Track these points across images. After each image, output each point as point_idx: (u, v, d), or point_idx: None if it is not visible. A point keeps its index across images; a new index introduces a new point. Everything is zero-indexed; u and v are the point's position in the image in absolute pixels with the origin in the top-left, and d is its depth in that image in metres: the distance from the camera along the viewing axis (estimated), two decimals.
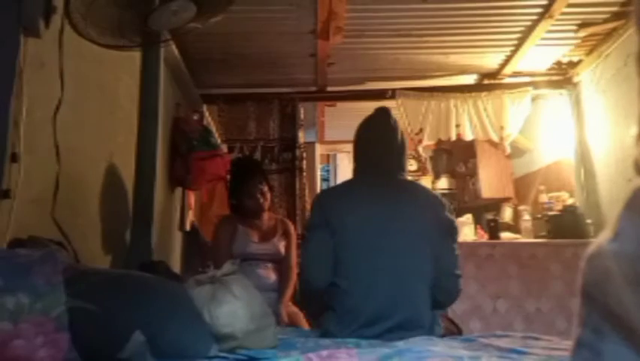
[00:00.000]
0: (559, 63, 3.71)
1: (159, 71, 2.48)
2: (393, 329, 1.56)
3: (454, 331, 1.79)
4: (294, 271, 2.57)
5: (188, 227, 3.46)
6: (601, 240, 0.45)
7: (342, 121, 4.96)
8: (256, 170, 2.67)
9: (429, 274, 1.65)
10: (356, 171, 1.85)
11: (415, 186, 1.86)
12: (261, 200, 2.54)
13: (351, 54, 3.50)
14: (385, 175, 1.76)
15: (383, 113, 1.84)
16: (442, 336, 1.59)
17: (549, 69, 3.80)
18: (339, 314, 1.62)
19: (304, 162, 4.04)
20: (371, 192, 1.73)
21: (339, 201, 1.74)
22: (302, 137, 4.14)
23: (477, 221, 4.95)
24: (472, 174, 5.34)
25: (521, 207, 4.18)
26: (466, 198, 5.62)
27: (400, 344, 1.31)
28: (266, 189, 2.59)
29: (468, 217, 4.86)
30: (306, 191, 3.94)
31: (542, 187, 4.10)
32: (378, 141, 1.79)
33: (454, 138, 3.95)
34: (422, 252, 1.66)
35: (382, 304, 1.59)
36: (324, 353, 1.16)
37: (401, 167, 1.80)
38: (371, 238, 1.64)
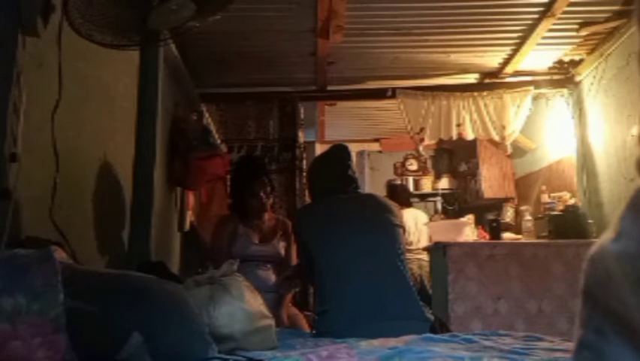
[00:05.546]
0: (560, 62, 3.71)
1: (158, 71, 2.46)
2: (391, 319, 1.66)
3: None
4: None
5: (187, 227, 3.45)
6: (603, 240, 0.44)
7: (343, 120, 4.95)
8: (261, 168, 2.67)
9: (403, 260, 1.84)
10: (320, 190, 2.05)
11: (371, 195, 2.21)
12: (264, 199, 2.53)
13: (351, 53, 3.49)
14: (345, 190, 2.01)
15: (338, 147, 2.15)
16: (433, 329, 1.68)
17: (550, 68, 3.79)
18: (334, 314, 1.69)
19: (304, 161, 4.03)
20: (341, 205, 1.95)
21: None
22: (302, 136, 4.13)
23: (478, 221, 4.95)
24: (474, 173, 5.33)
25: (523, 208, 4.17)
26: (467, 198, 5.61)
27: (400, 345, 1.30)
28: (269, 188, 2.58)
29: (469, 217, 4.85)
30: (306, 191, 3.93)
31: (544, 187, 4.09)
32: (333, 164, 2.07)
33: (455, 137, 3.94)
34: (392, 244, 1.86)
35: (372, 297, 1.70)
36: (324, 353, 1.15)
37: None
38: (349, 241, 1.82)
